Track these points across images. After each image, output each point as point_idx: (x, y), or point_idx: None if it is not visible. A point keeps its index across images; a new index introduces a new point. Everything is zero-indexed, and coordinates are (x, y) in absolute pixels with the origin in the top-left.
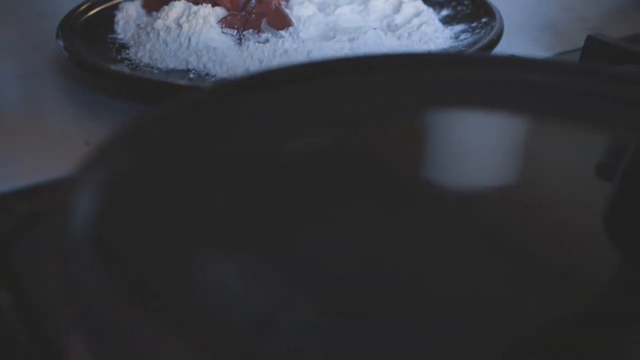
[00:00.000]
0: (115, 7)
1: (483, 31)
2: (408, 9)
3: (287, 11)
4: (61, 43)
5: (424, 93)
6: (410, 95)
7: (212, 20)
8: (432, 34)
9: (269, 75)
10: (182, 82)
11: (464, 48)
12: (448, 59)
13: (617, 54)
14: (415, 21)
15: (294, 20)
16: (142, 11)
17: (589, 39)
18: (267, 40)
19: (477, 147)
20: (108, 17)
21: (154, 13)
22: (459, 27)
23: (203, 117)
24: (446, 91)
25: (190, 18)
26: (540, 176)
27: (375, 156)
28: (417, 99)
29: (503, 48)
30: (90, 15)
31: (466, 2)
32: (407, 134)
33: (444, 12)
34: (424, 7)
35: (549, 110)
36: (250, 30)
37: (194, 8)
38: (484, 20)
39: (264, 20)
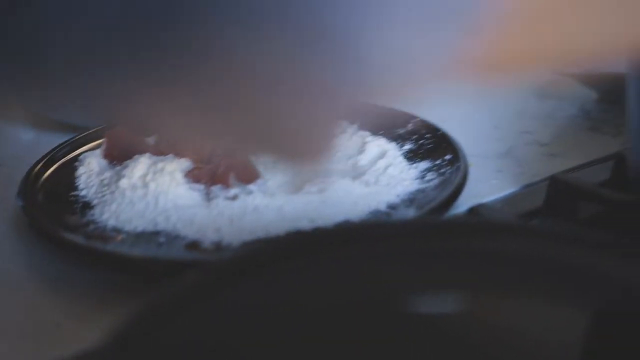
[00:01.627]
0: (76, 159)
1: (448, 170)
2: (372, 149)
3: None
4: (20, 203)
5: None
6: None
7: (179, 176)
8: (399, 176)
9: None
10: (149, 255)
11: (432, 192)
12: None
13: (580, 193)
14: (381, 163)
15: (259, 167)
16: (105, 163)
17: (553, 180)
18: (235, 196)
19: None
20: (70, 170)
21: (117, 166)
22: (423, 165)
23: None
24: (421, 269)
25: (156, 175)
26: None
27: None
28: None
29: (469, 184)
30: (52, 171)
31: (427, 135)
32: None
33: (407, 146)
34: (388, 145)
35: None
36: (218, 186)
37: (160, 164)
38: (447, 157)
39: (231, 175)
